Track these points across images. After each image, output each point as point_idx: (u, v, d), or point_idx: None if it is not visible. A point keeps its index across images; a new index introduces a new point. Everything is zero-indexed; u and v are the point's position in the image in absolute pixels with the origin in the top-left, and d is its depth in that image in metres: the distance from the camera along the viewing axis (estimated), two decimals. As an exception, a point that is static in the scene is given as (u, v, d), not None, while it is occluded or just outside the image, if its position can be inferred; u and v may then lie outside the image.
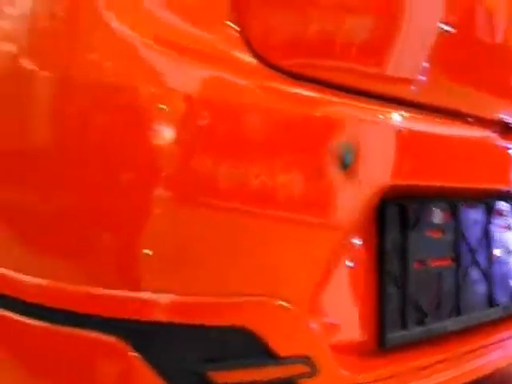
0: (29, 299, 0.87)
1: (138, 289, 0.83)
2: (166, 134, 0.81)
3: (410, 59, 0.97)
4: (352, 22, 0.92)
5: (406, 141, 0.96)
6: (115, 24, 0.83)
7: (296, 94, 0.88)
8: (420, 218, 1.04)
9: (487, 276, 1.17)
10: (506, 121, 1.14)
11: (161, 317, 0.83)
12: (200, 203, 0.82)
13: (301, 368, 0.89)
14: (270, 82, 0.86)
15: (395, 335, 1.03)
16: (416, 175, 0.98)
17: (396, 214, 1.01)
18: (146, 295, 0.82)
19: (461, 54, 1.03)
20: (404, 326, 1.04)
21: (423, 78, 0.99)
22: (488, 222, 1.17)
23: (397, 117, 0.95)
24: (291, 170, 0.86)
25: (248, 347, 0.85)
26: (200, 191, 0.81)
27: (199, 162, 0.81)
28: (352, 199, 0.91)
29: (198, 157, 0.81)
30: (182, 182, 0.81)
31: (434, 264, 1.08)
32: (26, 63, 0.86)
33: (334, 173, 0.88)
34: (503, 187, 1.16)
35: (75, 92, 0.83)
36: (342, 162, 0.87)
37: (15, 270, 0.88)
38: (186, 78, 0.83)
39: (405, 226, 1.02)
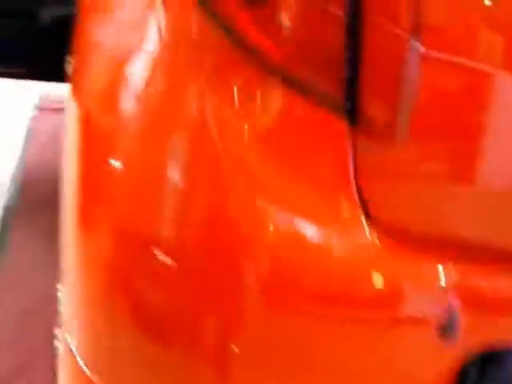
0: None
1: None
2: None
3: None
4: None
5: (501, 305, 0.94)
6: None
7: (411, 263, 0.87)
8: (497, 367, 1.02)
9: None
10: None
11: None
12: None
13: None
14: (387, 254, 0.85)
15: None
16: (504, 335, 0.96)
17: (476, 362, 0.99)
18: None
19: None
20: None
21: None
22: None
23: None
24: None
25: None
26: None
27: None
28: (439, 357, 0.91)
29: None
30: None
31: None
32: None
33: (431, 334, 0.88)
34: None
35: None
36: (441, 329, 0.88)
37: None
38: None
39: (483, 375, 1.00)
